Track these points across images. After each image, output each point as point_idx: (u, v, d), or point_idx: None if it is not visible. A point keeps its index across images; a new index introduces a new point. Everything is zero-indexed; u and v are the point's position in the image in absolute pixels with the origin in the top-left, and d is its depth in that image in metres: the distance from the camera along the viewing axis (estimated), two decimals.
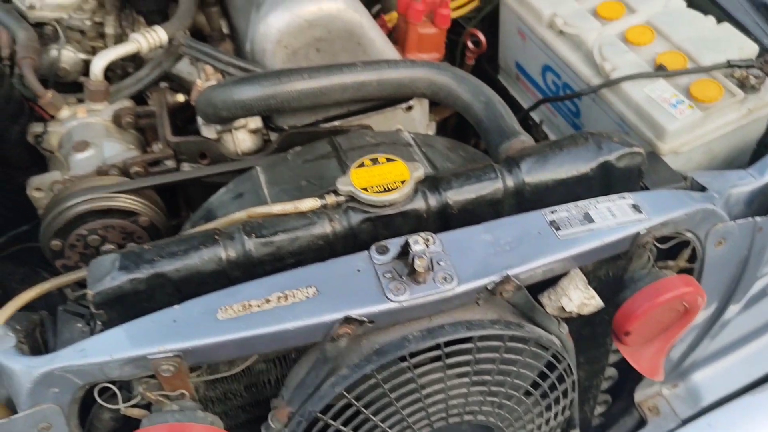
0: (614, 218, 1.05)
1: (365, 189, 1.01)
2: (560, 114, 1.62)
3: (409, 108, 1.50)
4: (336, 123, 1.43)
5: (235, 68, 1.37)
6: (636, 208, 1.06)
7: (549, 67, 1.59)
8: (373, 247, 0.97)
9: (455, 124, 1.83)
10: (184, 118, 1.51)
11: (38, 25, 1.55)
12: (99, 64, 1.40)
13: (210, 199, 1.20)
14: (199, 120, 1.39)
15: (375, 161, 1.05)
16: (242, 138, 1.41)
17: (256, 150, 1.43)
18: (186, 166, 1.35)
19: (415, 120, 1.56)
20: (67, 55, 1.53)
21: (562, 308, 1.05)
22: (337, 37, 1.38)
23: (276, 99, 1.20)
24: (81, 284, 1.08)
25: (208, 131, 1.39)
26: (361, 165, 1.04)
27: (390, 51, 1.45)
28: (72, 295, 1.13)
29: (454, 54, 1.83)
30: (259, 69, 1.35)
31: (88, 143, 1.34)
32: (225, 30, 1.86)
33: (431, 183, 1.06)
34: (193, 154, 1.35)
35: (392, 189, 1.01)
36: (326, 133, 1.39)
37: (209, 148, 1.35)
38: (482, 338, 0.97)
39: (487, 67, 1.84)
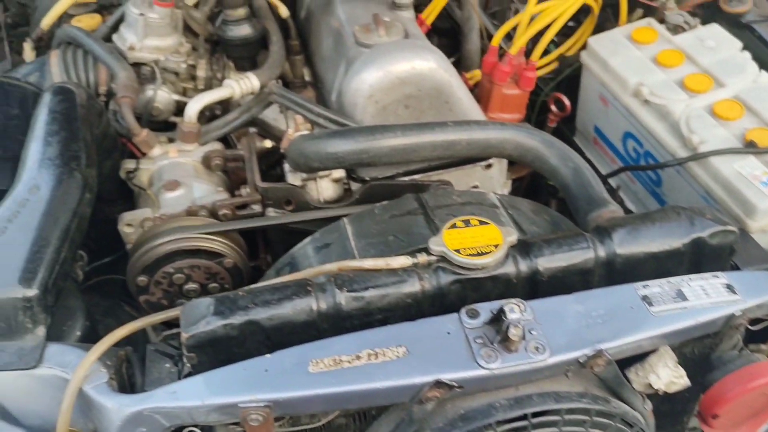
0: (708, 297, 1.03)
1: (458, 251, 1.02)
2: (639, 181, 1.61)
3: (489, 166, 1.52)
4: (416, 177, 1.45)
5: (326, 120, 1.40)
6: (730, 288, 1.04)
7: (631, 134, 1.59)
8: (463, 311, 0.97)
9: (528, 183, 1.83)
10: (268, 163, 1.55)
11: (135, 65, 1.62)
12: (194, 107, 1.45)
13: (296, 247, 1.22)
14: (287, 167, 1.42)
15: (467, 223, 1.06)
16: (325, 186, 1.43)
17: (337, 198, 1.45)
18: (271, 211, 1.38)
19: (493, 178, 1.57)
20: (162, 96, 1.59)
21: (649, 385, 1.03)
22: (426, 94, 1.40)
23: (368, 154, 1.23)
24: (167, 324, 1.10)
25: (294, 178, 1.42)
26: (454, 226, 1.05)
27: (475, 111, 1.47)
28: (155, 332, 1.16)
29: (529, 113, 1.84)
30: (350, 122, 1.38)
31: (179, 183, 1.38)
32: (307, 77, 1.92)
33: (522, 248, 1.06)
34: (279, 199, 1.37)
35: (485, 253, 1.01)
36: (408, 186, 1.41)
37: (295, 195, 1.38)
38: (570, 411, 0.95)
39: (563, 128, 1.85)
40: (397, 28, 1.50)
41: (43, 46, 1.96)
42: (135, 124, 1.43)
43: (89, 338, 1.18)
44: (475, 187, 1.55)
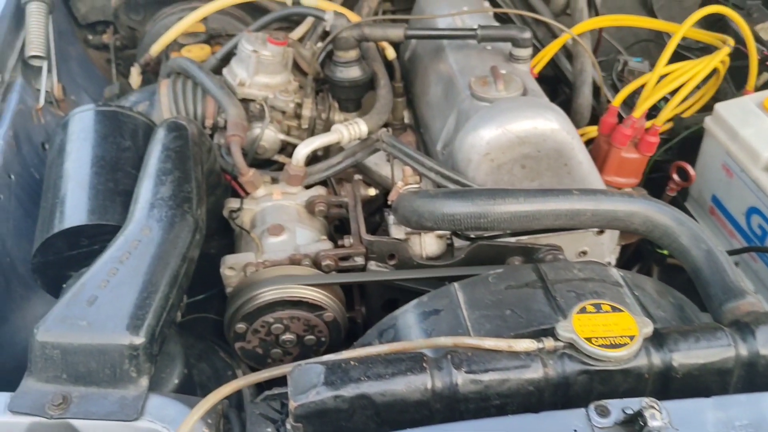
0: None
1: (589, 339, 0.94)
2: (764, 261, 1.49)
3: (601, 231, 1.43)
4: (523, 238, 1.38)
5: (438, 175, 1.35)
6: None
7: (757, 210, 1.48)
8: (592, 407, 0.89)
9: (634, 251, 1.73)
10: (369, 210, 1.51)
11: (244, 101, 1.61)
12: (303, 151, 1.43)
13: (401, 310, 1.16)
14: (391, 219, 1.37)
15: (598, 308, 0.98)
16: (429, 242, 1.38)
17: (439, 254, 1.40)
18: (373, 264, 1.33)
19: (604, 244, 1.48)
20: (269, 135, 1.57)
21: None
22: (545, 155, 1.34)
23: (487, 219, 1.16)
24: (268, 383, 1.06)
25: (398, 231, 1.37)
26: (583, 310, 0.97)
27: (594, 176, 1.39)
28: (250, 391, 1.12)
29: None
30: (462, 178, 1.33)
31: (283, 228, 1.34)
32: (407, 120, 1.88)
33: (656, 340, 0.97)
34: (383, 254, 1.32)
35: (620, 345, 0.93)
36: (516, 249, 1.34)
37: (399, 250, 1.32)
38: None
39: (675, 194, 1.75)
40: (515, 83, 1.44)
41: (149, 71, 1.99)
42: (243, 163, 1.41)
43: (186, 385, 1.15)
44: (584, 252, 1.47)
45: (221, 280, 1.34)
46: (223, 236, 1.52)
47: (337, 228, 1.53)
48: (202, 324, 1.48)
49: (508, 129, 1.31)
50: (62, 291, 1.26)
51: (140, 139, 1.42)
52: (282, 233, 1.34)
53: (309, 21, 1.89)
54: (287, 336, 1.27)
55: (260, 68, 1.60)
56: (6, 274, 1.33)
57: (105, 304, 1.03)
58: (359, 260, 1.32)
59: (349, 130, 1.47)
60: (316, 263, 1.30)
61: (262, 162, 1.64)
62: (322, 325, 1.28)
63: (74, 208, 1.24)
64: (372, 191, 1.46)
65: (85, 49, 2.14)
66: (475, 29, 1.56)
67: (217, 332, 1.42)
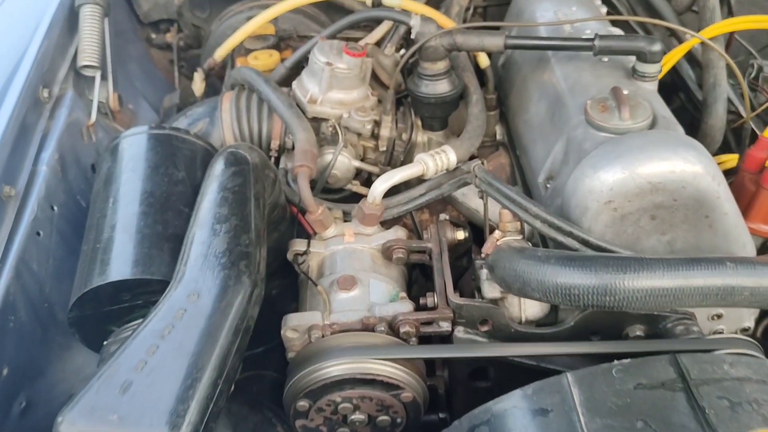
0: None
1: None
2: None
3: None
4: None
5: (545, 224, 1.11)
6: None
7: None
8: None
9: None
10: (455, 254, 1.28)
11: (314, 120, 1.41)
12: (381, 187, 1.21)
13: (501, 404, 0.93)
14: (484, 274, 1.14)
15: None
16: (531, 304, 1.14)
17: (541, 317, 1.16)
18: (460, 330, 1.10)
19: (743, 310, 1.21)
20: (342, 162, 1.36)
21: None
22: (682, 205, 1.07)
23: (614, 297, 0.92)
24: None
25: (492, 289, 1.14)
26: None
27: (742, 231, 1.11)
28: None
29: None
30: (578, 231, 1.08)
31: (356, 281, 1.13)
32: (499, 136, 1.64)
33: None
34: (473, 319, 1.10)
35: None
36: (638, 317, 1.09)
37: (494, 316, 1.09)
38: None
39: None
40: (643, 109, 1.17)
41: (214, 75, 1.82)
42: (311, 199, 1.21)
43: None
44: (719, 315, 1.20)
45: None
46: (286, 275, 1.32)
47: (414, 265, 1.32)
48: (258, 383, 1.29)
49: (637, 173, 1.05)
50: (102, 350, 1.10)
51: (197, 168, 1.24)
52: (354, 287, 1.13)
53: (389, 21, 1.66)
54: (357, 416, 1.07)
55: (334, 83, 1.38)
56: (43, 322, 1.18)
57: (141, 392, 0.85)
58: (445, 326, 1.10)
59: (436, 161, 1.24)
60: (392, 328, 1.08)
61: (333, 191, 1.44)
62: (399, 406, 1.07)
63: (117, 257, 1.07)
64: (461, 234, 1.23)
65: (147, 48, 1.98)
66: (590, 38, 1.30)
67: (275, 392, 1.23)
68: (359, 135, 1.42)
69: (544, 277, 0.96)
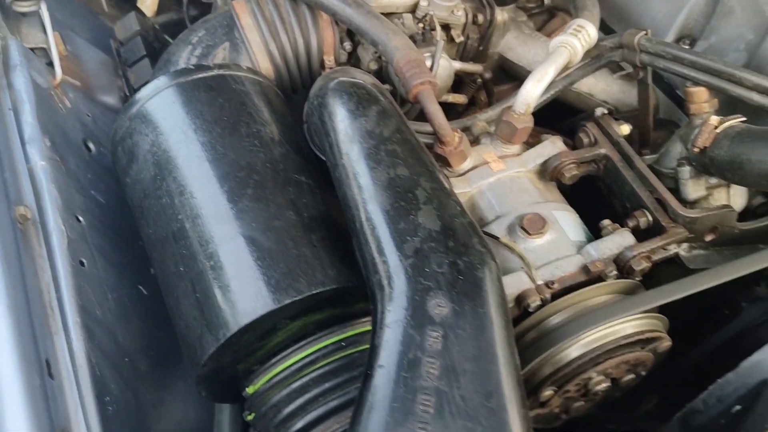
0: None
1: None
2: None
3: None
4: None
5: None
6: None
7: None
8: None
9: None
10: None
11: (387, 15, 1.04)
12: (536, 89, 0.90)
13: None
14: (686, 172, 0.90)
15: None
16: (737, 193, 0.93)
17: (746, 209, 0.96)
18: (684, 247, 0.88)
19: None
20: (443, 66, 1.02)
21: None
22: None
23: None
24: None
25: (697, 188, 0.91)
26: None
27: None
28: None
29: None
30: None
31: (544, 220, 0.86)
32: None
33: None
34: (702, 231, 0.87)
35: None
36: None
37: (725, 220, 0.88)
38: None
39: None
40: None
41: None
42: (448, 126, 0.89)
43: None
44: None
45: None
46: None
47: None
48: None
49: None
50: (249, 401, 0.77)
51: (277, 116, 0.87)
52: (545, 228, 0.86)
53: None
54: (601, 386, 0.84)
55: None
56: (131, 385, 0.81)
57: None
58: (672, 249, 0.86)
59: (580, 39, 0.95)
60: (621, 269, 0.84)
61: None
62: (651, 359, 0.84)
63: (251, 274, 0.71)
64: (626, 128, 0.97)
65: None
66: None
67: None
68: (447, 28, 1.07)
69: None
